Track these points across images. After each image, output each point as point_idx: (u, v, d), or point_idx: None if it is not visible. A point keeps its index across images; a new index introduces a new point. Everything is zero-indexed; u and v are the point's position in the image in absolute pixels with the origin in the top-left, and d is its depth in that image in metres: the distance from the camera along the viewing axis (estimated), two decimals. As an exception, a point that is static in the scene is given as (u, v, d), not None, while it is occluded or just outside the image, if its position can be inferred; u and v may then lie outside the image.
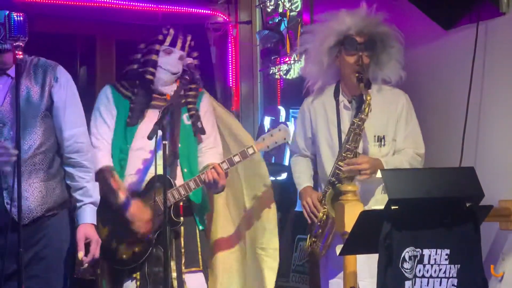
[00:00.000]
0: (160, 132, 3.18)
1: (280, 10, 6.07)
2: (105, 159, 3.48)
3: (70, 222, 3.09)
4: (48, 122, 3.03)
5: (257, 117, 6.41)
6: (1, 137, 2.91)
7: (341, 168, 3.38)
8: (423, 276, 2.59)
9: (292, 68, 5.96)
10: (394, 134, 3.51)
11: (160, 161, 3.19)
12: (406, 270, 2.56)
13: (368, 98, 3.33)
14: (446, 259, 2.60)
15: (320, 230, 3.48)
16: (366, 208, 3.10)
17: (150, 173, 3.41)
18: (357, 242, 2.70)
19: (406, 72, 3.55)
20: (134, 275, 3.43)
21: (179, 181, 3.47)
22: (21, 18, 2.81)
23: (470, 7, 3.56)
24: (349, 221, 2.90)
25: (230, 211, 3.85)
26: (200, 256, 3.53)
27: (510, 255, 3.26)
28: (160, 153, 3.20)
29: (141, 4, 6.29)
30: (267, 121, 6.00)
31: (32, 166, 2.96)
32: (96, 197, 3.12)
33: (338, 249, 2.85)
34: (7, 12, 2.81)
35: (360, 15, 3.50)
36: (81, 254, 3.00)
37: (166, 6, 6.35)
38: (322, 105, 3.63)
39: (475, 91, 3.54)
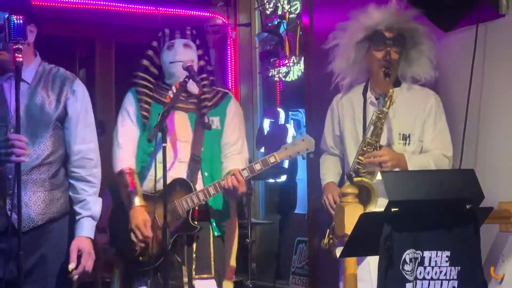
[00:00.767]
0: (160, 134, 3.18)
1: (279, 12, 6.07)
2: (126, 161, 3.49)
3: (70, 229, 3.07)
4: (59, 133, 3.02)
5: (257, 119, 6.40)
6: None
7: (361, 162, 3.35)
8: (423, 278, 2.59)
9: (292, 70, 5.95)
10: (421, 134, 3.47)
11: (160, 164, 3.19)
12: (407, 272, 2.56)
13: (391, 91, 3.31)
14: (446, 261, 2.60)
15: None
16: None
17: (170, 177, 3.33)
18: (357, 245, 2.70)
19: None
20: (146, 278, 3.40)
21: (199, 185, 3.45)
22: (21, 21, 2.80)
23: (470, 9, 3.56)
24: (349, 223, 2.90)
25: None
26: (212, 263, 3.46)
27: (510, 257, 3.26)
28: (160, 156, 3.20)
29: (140, 7, 6.29)
30: (266, 123, 6.00)
31: (38, 174, 2.94)
32: (96, 211, 3.08)
33: (338, 251, 2.84)
34: (7, 14, 2.80)
35: (389, 11, 3.47)
36: (72, 265, 2.96)
37: (165, 9, 6.35)
38: (350, 102, 3.61)
39: (475, 93, 3.54)
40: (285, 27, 5.96)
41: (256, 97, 6.49)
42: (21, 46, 2.79)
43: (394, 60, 3.44)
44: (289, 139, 5.63)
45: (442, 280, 2.60)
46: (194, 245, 3.44)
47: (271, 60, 6.07)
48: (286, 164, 5.81)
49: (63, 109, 3.01)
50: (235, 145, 3.58)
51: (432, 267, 2.60)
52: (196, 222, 3.42)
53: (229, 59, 6.59)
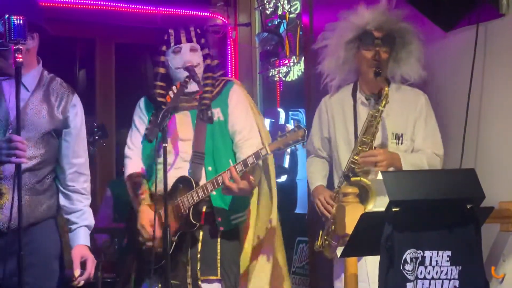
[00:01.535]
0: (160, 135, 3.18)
1: (279, 12, 6.07)
2: (134, 167, 3.56)
3: (56, 229, 3.12)
4: (52, 142, 3.05)
5: (257, 119, 6.39)
6: None
7: (356, 161, 3.35)
8: (424, 278, 2.59)
9: (292, 70, 5.96)
10: (412, 133, 3.49)
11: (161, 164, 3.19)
12: (408, 272, 2.56)
13: (386, 89, 3.31)
14: (447, 261, 2.60)
15: (332, 227, 3.43)
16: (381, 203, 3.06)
17: (173, 176, 3.38)
18: (358, 244, 2.70)
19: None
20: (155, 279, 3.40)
21: (203, 181, 3.42)
22: (21, 22, 2.80)
23: (470, 8, 3.56)
24: (350, 223, 2.90)
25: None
26: (218, 264, 3.41)
27: (510, 257, 3.26)
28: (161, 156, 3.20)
29: (140, 7, 6.30)
30: (266, 123, 6.00)
31: (26, 179, 2.95)
32: (92, 221, 3.19)
33: (339, 251, 2.85)
34: (7, 15, 2.80)
35: (379, 10, 3.48)
36: (77, 272, 3.05)
37: (165, 9, 6.35)
38: (340, 102, 3.62)
39: (475, 92, 3.54)
40: (285, 27, 5.96)
41: (256, 97, 6.48)
42: (21, 47, 2.79)
43: (383, 60, 3.45)
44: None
45: (443, 279, 2.60)
46: (200, 245, 3.42)
47: (271, 60, 6.07)
48: (286, 164, 5.81)
49: (64, 121, 3.06)
50: (241, 133, 3.52)
51: (433, 267, 2.60)
52: (195, 220, 3.40)
53: (229, 59, 6.59)
